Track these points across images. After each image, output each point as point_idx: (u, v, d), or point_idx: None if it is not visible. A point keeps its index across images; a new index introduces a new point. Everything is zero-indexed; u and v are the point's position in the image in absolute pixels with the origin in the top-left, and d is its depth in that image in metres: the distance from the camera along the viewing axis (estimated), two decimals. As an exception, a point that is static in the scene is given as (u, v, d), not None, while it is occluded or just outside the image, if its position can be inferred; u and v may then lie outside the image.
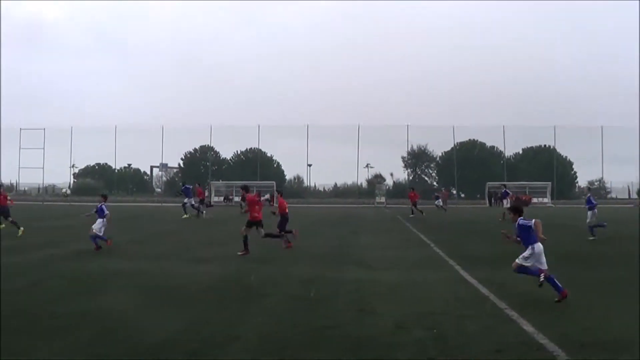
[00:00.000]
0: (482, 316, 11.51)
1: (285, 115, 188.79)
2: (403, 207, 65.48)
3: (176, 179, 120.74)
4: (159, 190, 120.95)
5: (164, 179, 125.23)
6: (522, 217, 13.50)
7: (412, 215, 47.81)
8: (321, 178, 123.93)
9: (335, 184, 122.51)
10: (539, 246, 13.10)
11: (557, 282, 12.86)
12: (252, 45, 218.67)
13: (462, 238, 28.64)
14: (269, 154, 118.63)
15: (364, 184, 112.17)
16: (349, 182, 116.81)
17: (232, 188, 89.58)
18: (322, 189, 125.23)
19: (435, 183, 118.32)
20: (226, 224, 38.74)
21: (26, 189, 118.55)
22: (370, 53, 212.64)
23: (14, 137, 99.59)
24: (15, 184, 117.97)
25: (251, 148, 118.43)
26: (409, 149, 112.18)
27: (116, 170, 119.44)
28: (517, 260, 13.29)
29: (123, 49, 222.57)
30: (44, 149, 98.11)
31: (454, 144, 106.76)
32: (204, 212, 47.36)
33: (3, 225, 31.31)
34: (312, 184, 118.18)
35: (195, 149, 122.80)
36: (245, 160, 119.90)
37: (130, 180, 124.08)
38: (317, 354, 9.00)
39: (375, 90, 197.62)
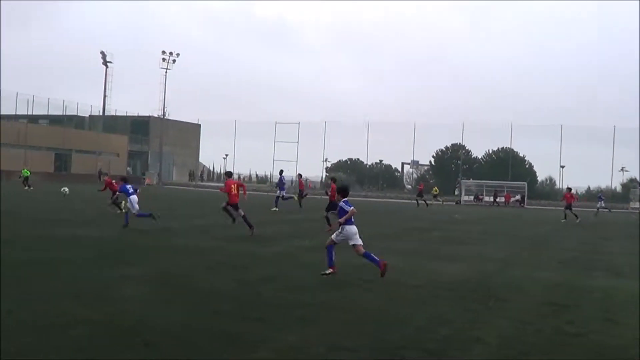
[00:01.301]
0: None
1: (538, 115, 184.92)
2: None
3: (427, 177, 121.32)
4: (409, 187, 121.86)
5: (415, 175, 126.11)
6: (345, 200, 15.20)
7: (563, 220, 44.51)
8: (574, 180, 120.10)
9: (589, 186, 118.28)
10: (350, 228, 14.89)
11: (373, 257, 14.98)
12: (505, 43, 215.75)
13: None
14: (521, 154, 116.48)
15: (618, 188, 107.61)
16: (603, 185, 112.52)
17: (483, 187, 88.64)
18: (574, 192, 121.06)
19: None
20: (478, 222, 38.50)
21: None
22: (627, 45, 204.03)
23: (270, 130, 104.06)
24: (269, 176, 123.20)
25: (503, 147, 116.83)
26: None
27: (367, 166, 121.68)
28: (331, 237, 15.22)
29: (364, 48, 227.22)
30: (298, 142, 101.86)
31: None
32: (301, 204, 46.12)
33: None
34: (564, 186, 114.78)
35: (446, 147, 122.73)
36: (496, 159, 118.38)
37: (381, 176, 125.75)
38: (561, 362, 8.72)
39: (634, 89, 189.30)
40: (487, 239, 27.83)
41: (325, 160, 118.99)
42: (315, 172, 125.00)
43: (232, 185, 26.38)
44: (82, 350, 8.11)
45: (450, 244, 24.62)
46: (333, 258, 15.27)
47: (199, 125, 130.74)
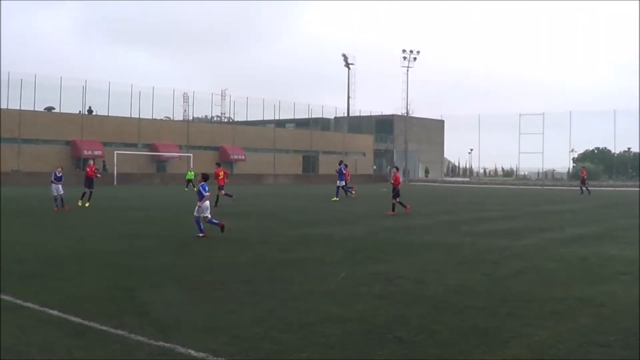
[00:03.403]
0: None
1: None
2: None
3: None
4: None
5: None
6: (204, 182, 20.93)
7: None
8: None
9: None
10: (205, 204, 20.53)
11: (214, 221, 20.73)
12: None
13: None
14: None
15: None
16: None
17: None
18: None
19: None
20: None
21: (526, 173, 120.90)
22: None
23: (514, 123, 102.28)
24: (515, 169, 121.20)
25: None
26: None
27: (615, 154, 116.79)
28: (194, 214, 20.73)
29: (606, 37, 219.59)
30: (542, 134, 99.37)
31: None
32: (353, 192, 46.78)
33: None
34: None
35: None
36: None
37: (630, 165, 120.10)
38: None
39: None
40: None
41: (572, 150, 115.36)
42: (562, 162, 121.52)
43: (220, 173, 34.67)
44: (334, 347, 8.34)
45: None
46: (202, 226, 20.52)
47: (443, 122, 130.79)
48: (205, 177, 21.57)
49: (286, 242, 19.72)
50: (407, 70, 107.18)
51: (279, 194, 52.47)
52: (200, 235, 20.32)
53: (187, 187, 58.12)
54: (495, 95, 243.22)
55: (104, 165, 74.98)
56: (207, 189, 20.79)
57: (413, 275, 13.96)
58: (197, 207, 20.63)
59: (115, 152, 71.28)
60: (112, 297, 11.20)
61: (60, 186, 31.95)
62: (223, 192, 33.87)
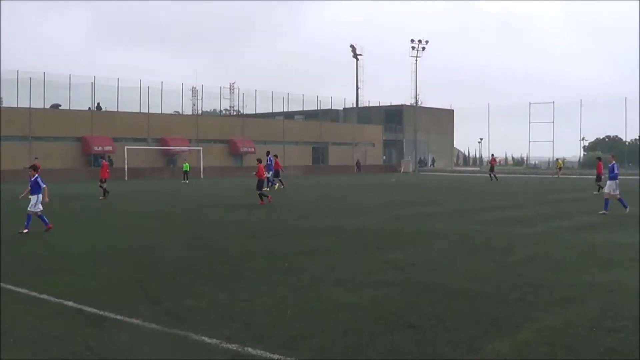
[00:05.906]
0: None
1: None
2: None
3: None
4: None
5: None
6: (37, 175, 19.31)
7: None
8: None
9: None
10: (39, 197, 19.17)
11: (45, 219, 19.36)
12: None
13: None
14: None
15: None
16: None
17: None
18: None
19: None
20: None
21: (536, 162, 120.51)
22: None
23: (524, 112, 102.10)
24: (525, 158, 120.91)
25: None
26: None
27: (627, 143, 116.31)
28: (30, 209, 19.23)
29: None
30: (553, 122, 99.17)
31: None
32: (277, 185, 44.11)
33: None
34: None
35: None
36: None
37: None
38: None
39: None
40: None
41: (582, 139, 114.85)
42: (572, 152, 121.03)
43: (105, 167, 36.67)
44: (346, 333, 8.45)
45: None
46: (30, 222, 19.19)
47: (452, 111, 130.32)
48: (35, 169, 19.77)
49: (297, 233, 19.84)
50: (416, 60, 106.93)
51: (289, 187, 52.55)
52: (25, 231, 18.91)
53: (185, 179, 59.14)
54: (505, 86, 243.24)
55: (110, 159, 75.34)
56: (44, 183, 19.50)
57: (424, 263, 14.05)
58: (35, 202, 19.31)
59: (126, 147, 71.16)
60: (126, 289, 11.33)
61: None
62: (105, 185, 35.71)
